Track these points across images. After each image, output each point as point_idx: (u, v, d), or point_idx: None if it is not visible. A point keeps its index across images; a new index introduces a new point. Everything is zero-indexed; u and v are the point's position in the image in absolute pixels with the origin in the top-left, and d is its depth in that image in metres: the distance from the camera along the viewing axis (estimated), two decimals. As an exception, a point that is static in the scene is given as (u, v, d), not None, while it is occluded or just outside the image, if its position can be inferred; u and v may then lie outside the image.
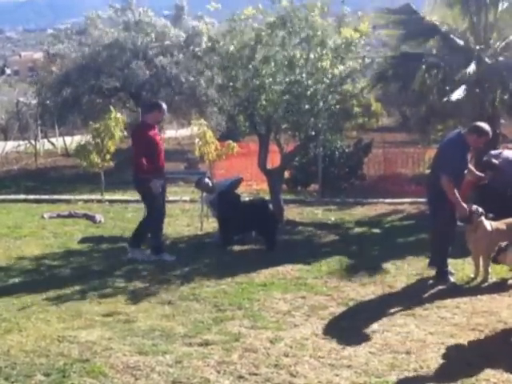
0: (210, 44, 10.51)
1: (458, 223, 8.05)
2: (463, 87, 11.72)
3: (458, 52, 12.42)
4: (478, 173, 8.61)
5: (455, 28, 13.18)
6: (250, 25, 10.33)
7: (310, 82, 10.26)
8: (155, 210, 9.28)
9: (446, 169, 7.72)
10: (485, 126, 7.92)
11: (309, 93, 10.29)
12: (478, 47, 12.67)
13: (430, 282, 8.04)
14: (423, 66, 12.35)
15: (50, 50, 22.26)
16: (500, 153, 10.02)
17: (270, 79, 10.29)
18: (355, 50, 10.54)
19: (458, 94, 11.58)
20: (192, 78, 20.15)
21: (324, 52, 10.28)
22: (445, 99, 11.75)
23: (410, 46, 13.06)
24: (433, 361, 5.69)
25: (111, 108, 15.00)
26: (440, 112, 13.20)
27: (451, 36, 12.77)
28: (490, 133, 7.95)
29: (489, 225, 7.93)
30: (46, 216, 12.48)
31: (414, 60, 12.37)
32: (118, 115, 14.84)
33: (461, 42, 12.73)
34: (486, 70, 12.03)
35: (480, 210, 7.94)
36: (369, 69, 11.90)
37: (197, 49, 17.63)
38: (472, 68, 11.72)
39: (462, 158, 7.91)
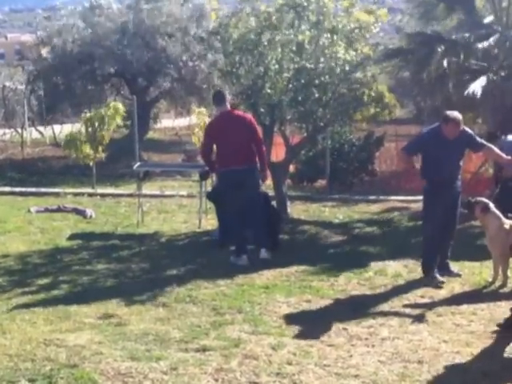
0: (217, 24, 10.52)
1: (461, 210, 8.32)
2: (483, 78, 11.69)
3: (479, 28, 12.39)
4: (501, 154, 8.53)
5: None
6: (257, 7, 10.34)
7: (318, 69, 10.25)
8: None
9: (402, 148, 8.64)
10: (451, 113, 7.96)
11: (317, 81, 10.29)
12: (500, 28, 12.62)
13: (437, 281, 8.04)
14: (440, 49, 12.27)
15: (39, 33, 22.20)
16: None
17: (276, 66, 10.30)
18: (368, 36, 10.54)
19: (477, 84, 11.55)
20: (191, 63, 20.11)
21: (335, 38, 10.27)
22: (465, 92, 11.70)
23: (427, 23, 13.05)
24: (446, 371, 5.68)
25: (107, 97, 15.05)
26: (457, 103, 13.17)
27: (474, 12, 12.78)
28: (457, 119, 7.91)
29: (506, 224, 7.89)
30: (32, 210, 12.49)
31: (432, 40, 12.31)
32: (119, 105, 14.89)
33: (483, 20, 12.71)
34: (508, 52, 11.98)
35: (483, 200, 8.08)
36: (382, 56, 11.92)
37: (199, 30, 17.60)
38: (492, 41, 11.66)
39: (429, 143, 8.07)
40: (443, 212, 8.04)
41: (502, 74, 12.23)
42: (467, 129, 8.11)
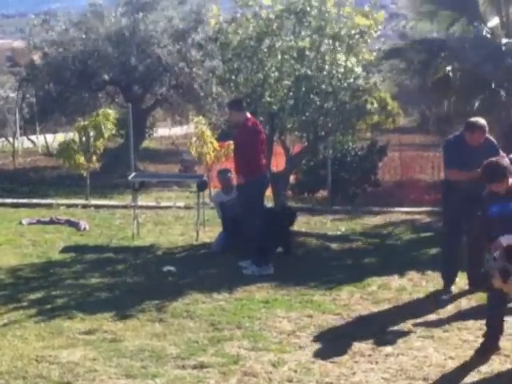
0: (216, 29, 10.57)
1: None
2: (489, 87, 11.71)
3: (483, 44, 12.42)
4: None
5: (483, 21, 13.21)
6: (257, 13, 10.38)
7: (320, 76, 10.28)
8: None
9: (444, 167, 8.32)
10: (477, 120, 7.98)
11: (318, 89, 10.31)
12: (504, 40, 12.65)
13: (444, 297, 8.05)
14: (444, 55, 12.29)
15: (32, 39, 22.21)
16: None
17: (276, 73, 10.33)
18: (370, 41, 10.58)
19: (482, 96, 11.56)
20: (187, 69, 20.12)
21: (337, 44, 10.31)
22: (475, 105, 11.70)
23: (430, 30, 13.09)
24: (453, 389, 5.68)
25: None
26: (463, 112, 13.19)
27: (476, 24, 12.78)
28: (483, 127, 7.92)
29: None
30: (24, 222, 12.48)
31: (435, 45, 12.33)
32: (109, 111, 14.86)
33: (487, 35, 12.73)
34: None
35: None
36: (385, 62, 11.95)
37: (198, 37, 17.62)
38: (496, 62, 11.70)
39: (457, 153, 7.98)
40: (464, 221, 8.01)
41: (506, 84, 12.24)
42: (490, 136, 8.13)
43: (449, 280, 8.26)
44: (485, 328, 6.70)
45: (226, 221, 10.56)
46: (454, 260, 8.25)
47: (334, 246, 10.92)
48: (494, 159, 6.58)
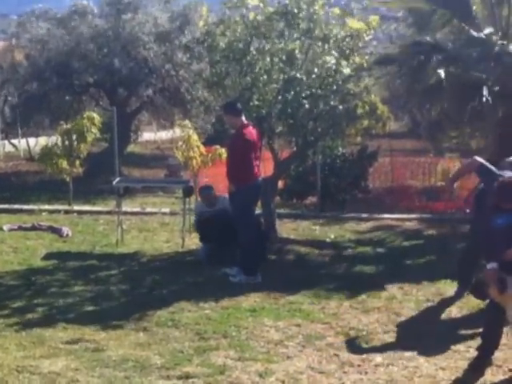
0: (204, 31, 10.57)
1: None
2: (484, 88, 11.73)
3: (476, 44, 12.45)
4: None
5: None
6: (246, 15, 10.40)
7: (309, 79, 10.30)
8: None
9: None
10: None
11: (308, 92, 10.33)
12: (499, 41, 12.69)
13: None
14: (436, 58, 12.32)
15: (13, 40, 22.15)
16: None
17: (265, 76, 10.33)
18: (361, 45, 10.61)
19: (480, 95, 11.57)
20: (174, 72, 20.11)
21: (326, 47, 10.34)
22: (469, 106, 11.72)
23: (420, 32, 13.12)
24: (444, 400, 5.69)
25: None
26: (455, 117, 13.21)
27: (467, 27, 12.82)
28: None
29: None
30: (5, 228, 12.43)
31: (427, 50, 12.36)
32: (94, 114, 14.84)
33: (480, 35, 12.76)
34: (508, 66, 12.04)
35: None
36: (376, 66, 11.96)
37: (184, 39, 17.60)
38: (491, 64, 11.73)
39: None
40: None
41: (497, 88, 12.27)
42: None
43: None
44: (478, 338, 6.72)
45: (202, 231, 10.55)
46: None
47: (323, 253, 10.92)
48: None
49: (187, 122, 14.88)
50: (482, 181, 7.89)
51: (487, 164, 7.56)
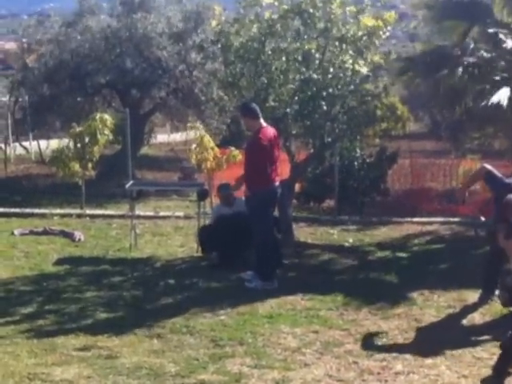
0: (218, 30, 10.59)
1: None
2: (506, 89, 11.68)
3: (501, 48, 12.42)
4: None
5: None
6: (261, 14, 10.41)
7: (326, 80, 10.30)
8: None
9: None
10: None
11: (325, 93, 10.33)
12: None
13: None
14: (460, 67, 12.30)
15: (25, 41, 22.26)
16: None
17: (281, 76, 10.34)
18: (378, 43, 10.60)
19: (499, 96, 11.53)
20: (187, 72, 20.13)
21: (344, 46, 10.34)
22: (483, 103, 11.70)
23: (443, 35, 13.07)
24: (467, 409, 5.67)
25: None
26: (478, 116, 13.14)
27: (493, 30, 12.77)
28: None
29: None
30: (16, 233, 12.48)
31: (450, 57, 12.33)
32: (106, 116, 14.87)
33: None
34: None
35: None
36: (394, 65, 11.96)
37: (198, 39, 17.63)
38: None
39: None
40: None
41: None
42: None
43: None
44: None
45: (205, 240, 10.58)
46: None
47: (341, 258, 10.92)
48: None
49: (197, 123, 14.90)
50: (490, 188, 8.02)
51: (494, 171, 7.68)
